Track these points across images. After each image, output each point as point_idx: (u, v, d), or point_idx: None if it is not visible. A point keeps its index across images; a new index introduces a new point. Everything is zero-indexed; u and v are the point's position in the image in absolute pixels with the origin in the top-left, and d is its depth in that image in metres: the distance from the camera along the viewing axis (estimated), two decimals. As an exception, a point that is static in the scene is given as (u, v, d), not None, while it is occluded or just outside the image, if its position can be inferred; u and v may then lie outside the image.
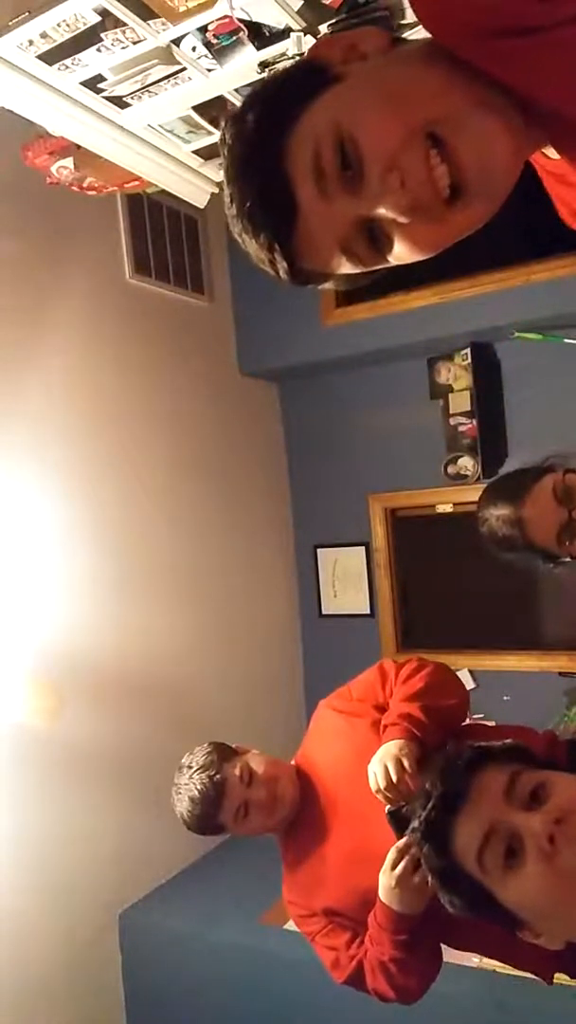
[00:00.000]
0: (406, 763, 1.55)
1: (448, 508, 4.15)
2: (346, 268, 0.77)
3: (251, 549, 4.27)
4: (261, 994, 2.95)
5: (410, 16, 2.03)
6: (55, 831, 2.98)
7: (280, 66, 2.14)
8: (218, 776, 1.70)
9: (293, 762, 1.88)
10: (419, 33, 2.24)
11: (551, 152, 0.81)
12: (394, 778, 1.53)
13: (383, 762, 1.57)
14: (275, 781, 1.73)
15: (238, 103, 2.33)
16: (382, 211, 0.71)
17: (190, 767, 1.75)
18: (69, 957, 3.05)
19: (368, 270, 0.79)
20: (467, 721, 1.85)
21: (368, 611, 4.36)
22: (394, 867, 1.51)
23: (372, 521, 4.37)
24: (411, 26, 2.06)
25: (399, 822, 1.53)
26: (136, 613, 3.46)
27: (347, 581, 4.46)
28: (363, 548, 4.40)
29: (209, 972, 3.09)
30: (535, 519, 1.61)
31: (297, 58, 2.10)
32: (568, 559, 1.64)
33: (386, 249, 0.74)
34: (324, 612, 4.50)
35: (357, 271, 0.78)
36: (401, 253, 0.75)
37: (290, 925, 3.21)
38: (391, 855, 1.53)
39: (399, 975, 1.61)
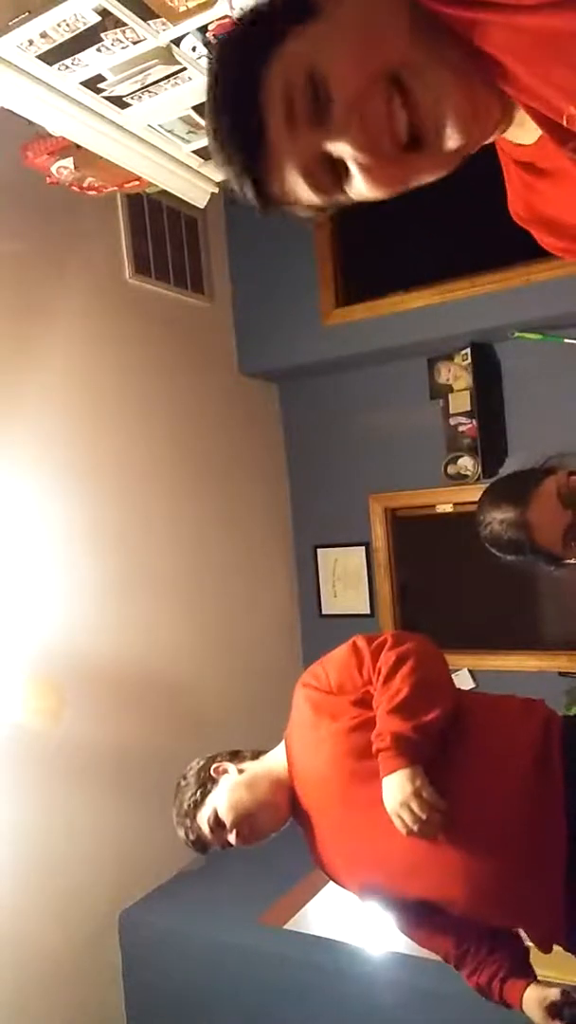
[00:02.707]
0: (425, 794, 1.54)
1: (448, 508, 4.15)
2: (309, 196, 0.81)
3: (251, 549, 4.26)
4: (261, 994, 2.95)
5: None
6: (55, 831, 2.98)
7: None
8: (192, 835, 1.77)
9: (283, 743, 1.85)
10: None
11: (522, 138, 0.83)
12: (423, 817, 1.53)
13: (405, 805, 1.54)
14: (245, 821, 1.72)
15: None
16: (342, 147, 0.74)
17: (177, 807, 1.80)
18: (69, 957, 3.05)
19: (330, 202, 0.83)
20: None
21: (368, 611, 4.36)
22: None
23: (372, 521, 4.37)
24: None
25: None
26: (136, 613, 3.46)
27: (347, 581, 4.46)
28: (363, 548, 4.40)
29: (209, 972, 3.09)
30: (541, 522, 1.61)
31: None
32: (572, 561, 1.64)
33: (346, 181, 0.78)
34: (324, 612, 4.50)
35: (320, 200, 0.81)
36: (359, 189, 0.78)
37: (290, 925, 3.21)
38: None
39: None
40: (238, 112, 0.76)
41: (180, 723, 3.29)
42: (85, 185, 2.75)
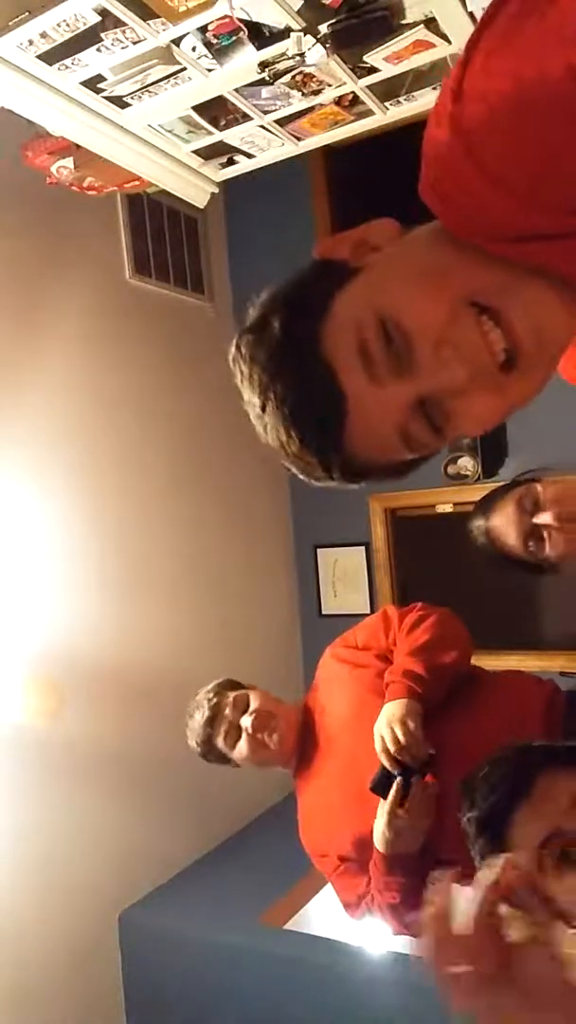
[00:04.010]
0: (411, 724, 1.59)
1: (448, 508, 4.15)
2: (404, 455, 0.73)
3: (251, 549, 4.26)
4: (261, 994, 2.95)
5: (410, 16, 2.04)
6: (55, 831, 2.98)
7: (280, 66, 2.14)
8: (215, 699, 1.82)
9: (302, 703, 1.93)
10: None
11: None
12: (402, 740, 1.58)
13: (389, 725, 1.61)
14: (268, 716, 1.78)
15: (238, 103, 2.34)
16: (440, 385, 0.67)
17: (197, 697, 1.87)
18: (69, 957, 3.05)
19: (425, 455, 0.75)
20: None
21: (368, 611, 4.36)
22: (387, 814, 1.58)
23: (372, 521, 4.37)
24: (411, 26, 2.06)
25: (383, 787, 1.60)
26: (136, 613, 3.46)
27: (347, 581, 4.46)
28: (363, 548, 4.40)
29: (209, 972, 3.09)
30: (500, 528, 1.65)
31: (296, 58, 2.10)
32: (551, 566, 1.65)
33: (445, 428, 0.70)
34: (324, 612, 4.50)
35: (414, 456, 0.74)
36: (459, 429, 0.72)
37: (290, 925, 3.21)
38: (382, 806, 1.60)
39: (408, 914, 1.66)
40: (307, 384, 0.67)
41: (180, 723, 3.27)
42: (85, 185, 2.75)
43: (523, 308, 0.66)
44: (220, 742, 1.79)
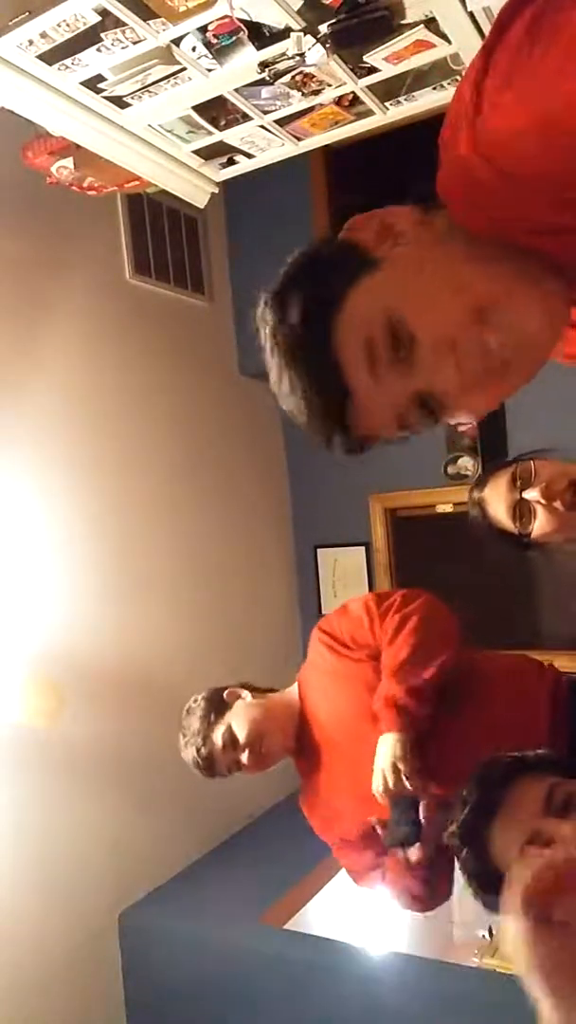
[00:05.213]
0: (403, 767, 1.62)
1: (448, 508, 4.14)
2: (399, 435, 0.81)
3: (251, 549, 4.26)
4: (261, 994, 2.95)
5: (410, 16, 2.04)
6: (55, 831, 2.98)
7: (280, 66, 2.14)
8: (204, 750, 1.79)
9: (296, 684, 1.93)
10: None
11: None
12: (392, 786, 1.62)
13: (383, 771, 1.64)
14: (259, 739, 1.77)
15: (238, 103, 2.34)
16: (435, 386, 0.75)
17: (185, 730, 1.84)
18: (69, 957, 3.05)
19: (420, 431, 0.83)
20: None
21: (368, 611, 4.36)
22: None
23: (372, 521, 4.37)
24: (411, 26, 2.06)
25: (400, 840, 1.66)
26: (136, 613, 3.45)
27: (347, 581, 4.45)
28: (363, 548, 4.40)
29: (209, 972, 3.08)
30: (491, 499, 1.69)
31: (296, 58, 2.10)
32: (534, 543, 1.66)
33: (440, 415, 0.78)
34: (324, 612, 4.49)
35: (409, 435, 0.82)
36: (453, 416, 0.79)
37: (290, 925, 3.21)
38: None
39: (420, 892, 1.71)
40: (318, 376, 0.76)
41: (180, 723, 3.29)
42: (85, 185, 2.75)
43: (512, 321, 0.73)
44: (224, 772, 1.81)
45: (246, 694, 1.86)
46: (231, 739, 1.77)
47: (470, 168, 0.71)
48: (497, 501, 1.67)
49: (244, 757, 1.76)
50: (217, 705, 1.84)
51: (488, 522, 1.70)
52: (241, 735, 1.77)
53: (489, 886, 1.06)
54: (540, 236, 0.72)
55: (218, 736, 1.78)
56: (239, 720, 1.79)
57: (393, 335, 0.72)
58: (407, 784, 1.61)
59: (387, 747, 1.65)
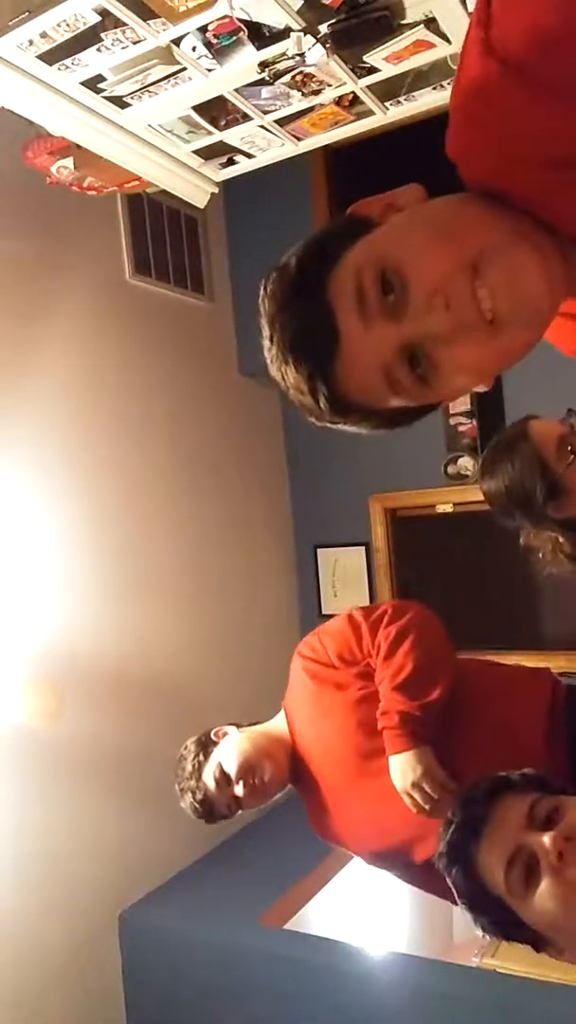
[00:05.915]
0: (438, 776, 1.58)
1: (448, 508, 4.14)
2: (389, 400, 0.78)
3: (251, 549, 4.26)
4: (261, 994, 2.95)
5: (410, 16, 2.04)
6: (55, 831, 2.98)
7: (280, 66, 2.14)
8: (199, 794, 1.76)
9: (282, 711, 1.88)
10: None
11: None
12: (435, 797, 1.57)
13: (417, 786, 1.58)
14: (251, 771, 1.74)
15: (238, 103, 2.34)
16: (426, 330, 0.72)
17: (179, 779, 1.80)
18: (69, 957, 3.05)
19: (411, 405, 0.80)
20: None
21: (368, 611, 4.36)
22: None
23: (372, 521, 4.36)
24: (411, 26, 2.06)
25: None
26: (136, 613, 3.45)
27: (347, 581, 4.45)
28: (363, 548, 4.40)
29: (209, 972, 3.09)
30: (542, 429, 1.76)
31: (296, 58, 2.10)
32: (563, 488, 1.67)
33: (430, 377, 0.75)
34: (324, 612, 4.49)
35: (400, 401, 0.78)
36: (446, 380, 0.76)
37: (290, 925, 3.21)
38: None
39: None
40: (307, 320, 0.74)
41: (180, 723, 3.27)
42: (85, 185, 2.75)
43: (507, 272, 0.72)
44: (225, 812, 1.78)
45: (232, 730, 1.82)
46: (223, 776, 1.74)
47: (484, 88, 0.69)
48: (550, 433, 1.73)
49: (239, 790, 1.73)
50: (205, 746, 1.81)
51: (529, 447, 1.72)
52: (231, 769, 1.73)
53: (481, 905, 1.09)
54: (545, 172, 0.71)
55: (209, 776, 1.75)
56: (228, 755, 1.76)
57: (384, 279, 0.72)
58: (446, 792, 1.56)
59: (411, 761, 1.59)
